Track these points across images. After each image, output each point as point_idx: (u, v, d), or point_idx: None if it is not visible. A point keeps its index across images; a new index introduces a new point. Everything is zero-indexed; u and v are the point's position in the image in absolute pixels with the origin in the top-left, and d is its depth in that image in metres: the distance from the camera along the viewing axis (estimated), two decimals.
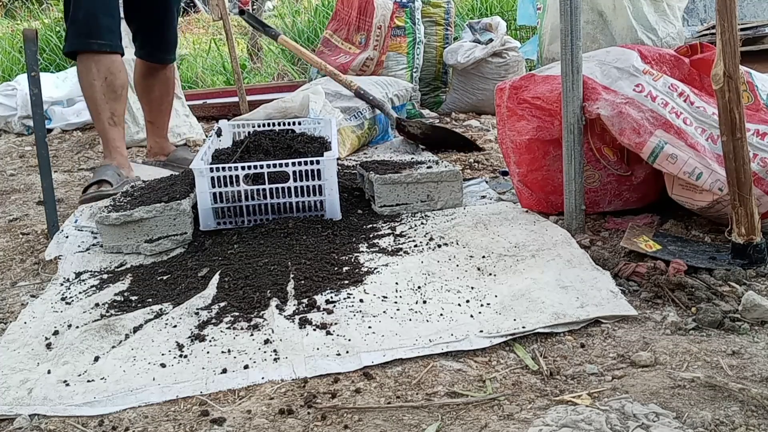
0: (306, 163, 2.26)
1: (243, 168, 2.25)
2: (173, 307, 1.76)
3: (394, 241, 2.15)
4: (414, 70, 4.49)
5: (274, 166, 2.26)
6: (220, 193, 2.26)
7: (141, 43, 3.13)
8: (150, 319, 1.71)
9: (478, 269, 1.91)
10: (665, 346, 1.47)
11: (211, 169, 2.24)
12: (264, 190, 2.27)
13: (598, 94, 2.10)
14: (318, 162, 2.27)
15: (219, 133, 2.78)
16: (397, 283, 1.83)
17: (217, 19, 4.30)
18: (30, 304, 1.87)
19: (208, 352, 1.55)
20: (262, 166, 2.25)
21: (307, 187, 2.28)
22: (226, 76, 6.09)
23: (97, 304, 1.81)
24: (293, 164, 2.26)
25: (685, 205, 2.09)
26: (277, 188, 2.27)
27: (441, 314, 1.66)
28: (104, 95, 2.69)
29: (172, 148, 3.28)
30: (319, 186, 2.28)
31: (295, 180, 2.27)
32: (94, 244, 2.28)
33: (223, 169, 2.25)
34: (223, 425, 1.30)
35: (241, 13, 3.62)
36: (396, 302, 1.74)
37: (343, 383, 1.42)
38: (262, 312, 1.71)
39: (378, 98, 3.51)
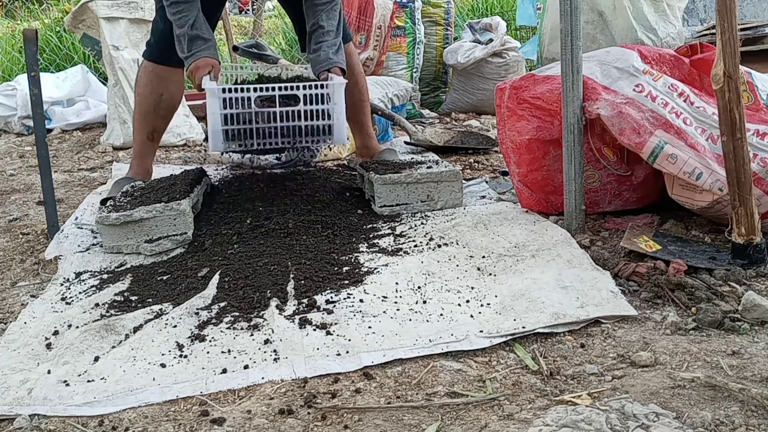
0: (316, 86, 2.32)
1: (255, 90, 2.29)
2: (173, 307, 1.76)
3: (394, 241, 2.15)
4: (414, 70, 4.49)
5: (286, 89, 2.30)
6: (231, 114, 2.28)
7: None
8: (150, 319, 1.71)
9: (478, 269, 1.91)
10: (665, 346, 1.47)
11: (223, 90, 2.27)
12: (274, 112, 2.30)
13: (598, 94, 2.10)
14: (327, 86, 2.32)
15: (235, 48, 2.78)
16: (397, 283, 1.83)
17: None
18: (30, 304, 1.87)
19: (208, 352, 1.55)
20: (273, 89, 2.29)
21: (317, 111, 2.33)
22: (226, 76, 6.08)
23: (97, 304, 1.81)
24: (304, 87, 2.31)
25: (685, 205, 2.09)
26: (287, 111, 2.31)
27: (441, 314, 1.66)
28: (155, 110, 2.72)
29: (379, 148, 3.05)
30: (328, 110, 2.33)
31: (305, 103, 2.31)
32: (94, 244, 2.28)
33: (235, 90, 2.28)
34: (223, 425, 1.30)
35: (235, 49, 3.57)
36: (396, 302, 1.74)
37: (343, 383, 1.42)
38: (262, 312, 1.71)
39: (386, 110, 3.49)
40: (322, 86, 2.32)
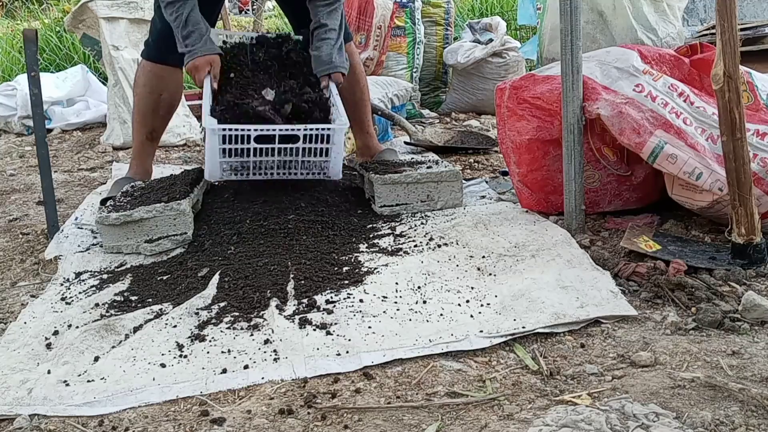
0: (317, 128, 2.33)
1: (256, 129, 2.30)
2: (173, 307, 1.76)
3: (394, 241, 2.15)
4: (414, 70, 4.49)
5: (287, 130, 2.31)
6: (229, 149, 2.31)
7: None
8: (150, 319, 1.71)
9: (478, 269, 1.91)
10: (665, 346, 1.47)
11: (223, 128, 2.29)
12: (273, 149, 2.32)
13: (598, 94, 2.10)
14: (329, 129, 2.33)
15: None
16: (397, 283, 1.83)
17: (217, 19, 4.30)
18: (30, 304, 1.87)
19: (208, 352, 1.55)
20: (273, 129, 2.30)
21: (315, 149, 2.35)
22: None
23: (97, 304, 1.81)
24: (305, 129, 2.32)
25: (685, 205, 2.09)
26: (285, 147, 2.33)
27: (441, 314, 1.66)
28: (154, 110, 2.72)
29: (379, 148, 3.03)
30: (326, 149, 2.35)
31: (304, 142, 2.32)
32: (94, 244, 2.28)
33: (234, 129, 2.29)
34: (223, 425, 1.30)
35: None
36: (396, 302, 1.74)
37: (343, 383, 1.42)
38: (262, 312, 1.71)
39: (386, 110, 3.48)
40: (323, 129, 2.33)
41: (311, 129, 2.31)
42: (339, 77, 2.53)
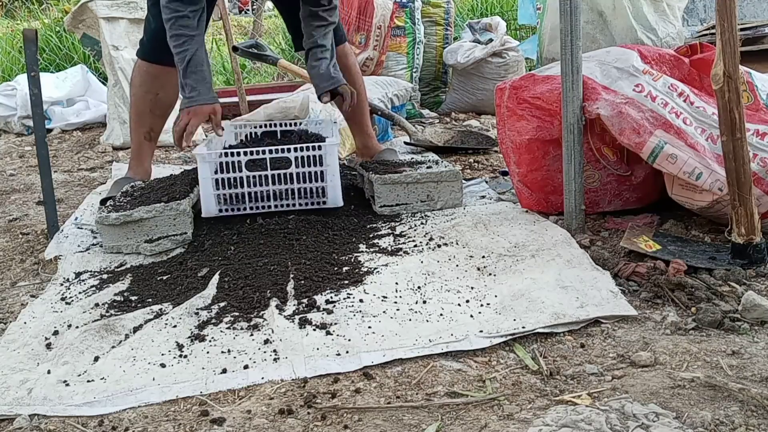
0: (307, 148, 2.28)
1: (246, 153, 2.28)
2: (173, 307, 1.76)
3: (394, 241, 2.15)
4: (414, 70, 4.49)
5: (276, 151, 2.28)
6: (223, 179, 2.28)
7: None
8: (150, 319, 1.71)
9: (478, 269, 1.91)
10: (665, 346, 1.47)
11: (212, 153, 2.27)
12: (266, 176, 2.28)
13: (598, 94, 2.10)
14: (320, 148, 2.29)
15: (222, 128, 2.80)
16: (397, 283, 1.83)
17: (217, 19, 4.30)
18: (30, 304, 1.87)
19: (208, 352, 1.55)
20: (263, 152, 2.28)
21: (309, 173, 2.30)
22: (226, 76, 6.09)
23: (97, 304, 1.81)
24: (295, 150, 2.28)
25: (685, 205, 2.09)
26: (279, 174, 2.29)
27: (441, 314, 1.66)
28: (151, 110, 2.71)
29: (379, 148, 3.02)
30: (321, 172, 2.30)
31: (297, 166, 2.29)
32: (94, 244, 2.28)
33: (226, 155, 2.28)
34: (223, 425, 1.30)
35: (235, 49, 3.56)
36: (396, 302, 1.74)
37: (343, 383, 1.42)
38: (262, 312, 1.71)
39: (386, 110, 3.48)
40: (314, 148, 2.28)
41: (301, 148, 2.28)
42: (345, 89, 2.56)
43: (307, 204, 2.34)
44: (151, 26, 2.65)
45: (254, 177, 2.28)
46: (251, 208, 2.31)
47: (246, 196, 2.31)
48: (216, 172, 2.27)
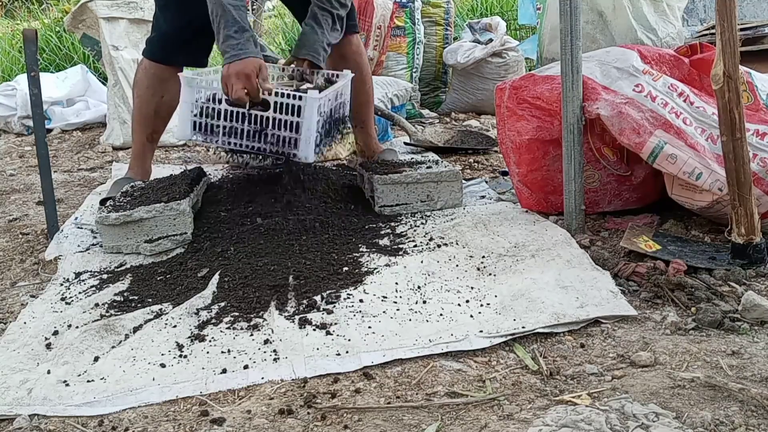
0: (289, 96, 2.25)
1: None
2: (173, 307, 1.76)
3: (394, 241, 2.15)
4: (414, 70, 4.49)
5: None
6: (203, 107, 2.30)
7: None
8: (150, 319, 1.71)
9: (478, 269, 1.91)
10: (665, 346, 1.47)
11: (198, 81, 2.30)
12: (242, 113, 2.27)
13: (598, 94, 2.10)
14: (300, 98, 2.24)
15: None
16: (397, 283, 1.83)
17: None
18: (30, 304, 1.87)
19: (207, 352, 1.55)
20: None
21: (285, 121, 2.27)
22: None
23: (96, 304, 1.81)
24: (276, 94, 2.25)
25: (685, 205, 2.09)
26: (255, 115, 2.27)
27: (441, 314, 1.66)
28: (155, 112, 2.71)
29: (380, 148, 2.98)
30: (296, 123, 2.26)
31: (275, 111, 2.26)
32: (94, 244, 2.28)
33: (209, 83, 2.30)
34: (223, 425, 1.30)
35: None
36: (396, 302, 1.74)
37: (343, 383, 1.42)
38: (262, 312, 1.71)
39: (386, 110, 3.48)
40: (295, 97, 2.25)
41: (282, 95, 2.24)
42: (307, 64, 2.53)
43: (276, 149, 2.31)
44: (162, 29, 2.64)
45: (232, 112, 2.28)
46: (223, 143, 2.33)
47: (221, 129, 2.31)
48: (197, 100, 2.30)
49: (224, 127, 2.30)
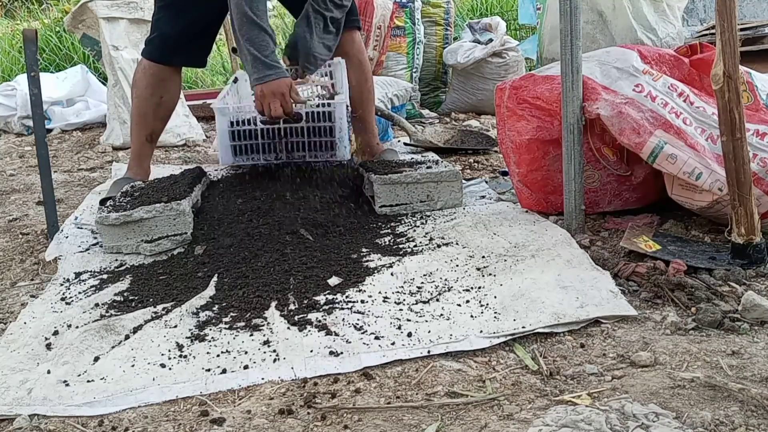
0: (320, 105, 2.49)
1: None
2: (173, 307, 1.76)
3: (394, 241, 2.15)
4: (414, 70, 4.49)
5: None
6: (238, 131, 2.48)
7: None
8: (150, 320, 1.71)
9: (478, 269, 1.91)
10: (665, 346, 1.47)
11: (229, 106, 2.47)
12: (278, 129, 2.46)
13: (598, 94, 2.10)
14: (329, 105, 2.48)
15: (235, 80, 2.94)
16: (396, 284, 1.83)
17: None
18: (30, 304, 1.87)
19: (207, 353, 1.55)
20: None
21: (319, 128, 2.49)
22: (225, 76, 6.09)
23: (96, 305, 1.81)
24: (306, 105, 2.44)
25: (685, 205, 2.09)
26: (290, 128, 2.47)
27: (441, 314, 1.66)
28: (154, 112, 2.72)
29: (381, 148, 2.98)
30: (330, 127, 2.48)
31: (307, 121, 2.46)
32: (94, 244, 2.28)
33: (241, 109, 2.48)
34: (223, 425, 1.30)
35: (234, 51, 3.62)
36: (396, 302, 1.74)
37: (343, 383, 1.42)
38: (262, 312, 1.71)
39: (386, 110, 3.48)
40: (323, 105, 2.48)
41: (314, 106, 2.46)
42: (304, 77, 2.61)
43: (316, 156, 2.52)
44: (162, 29, 2.64)
45: (267, 130, 2.47)
46: (265, 159, 2.51)
47: (260, 148, 2.50)
48: (232, 125, 2.47)
49: (263, 145, 2.50)
